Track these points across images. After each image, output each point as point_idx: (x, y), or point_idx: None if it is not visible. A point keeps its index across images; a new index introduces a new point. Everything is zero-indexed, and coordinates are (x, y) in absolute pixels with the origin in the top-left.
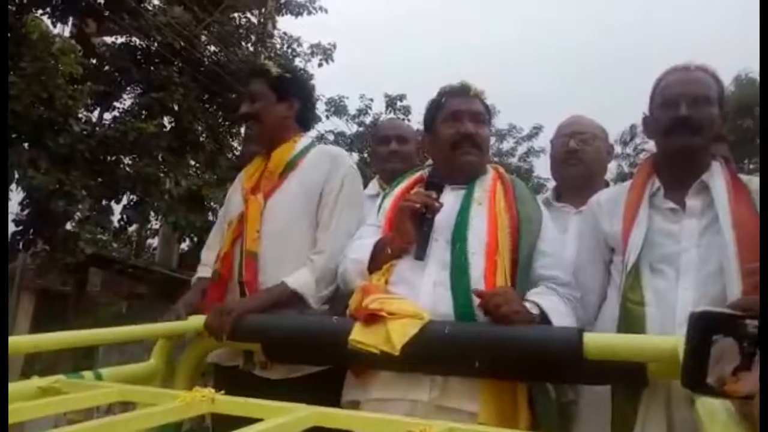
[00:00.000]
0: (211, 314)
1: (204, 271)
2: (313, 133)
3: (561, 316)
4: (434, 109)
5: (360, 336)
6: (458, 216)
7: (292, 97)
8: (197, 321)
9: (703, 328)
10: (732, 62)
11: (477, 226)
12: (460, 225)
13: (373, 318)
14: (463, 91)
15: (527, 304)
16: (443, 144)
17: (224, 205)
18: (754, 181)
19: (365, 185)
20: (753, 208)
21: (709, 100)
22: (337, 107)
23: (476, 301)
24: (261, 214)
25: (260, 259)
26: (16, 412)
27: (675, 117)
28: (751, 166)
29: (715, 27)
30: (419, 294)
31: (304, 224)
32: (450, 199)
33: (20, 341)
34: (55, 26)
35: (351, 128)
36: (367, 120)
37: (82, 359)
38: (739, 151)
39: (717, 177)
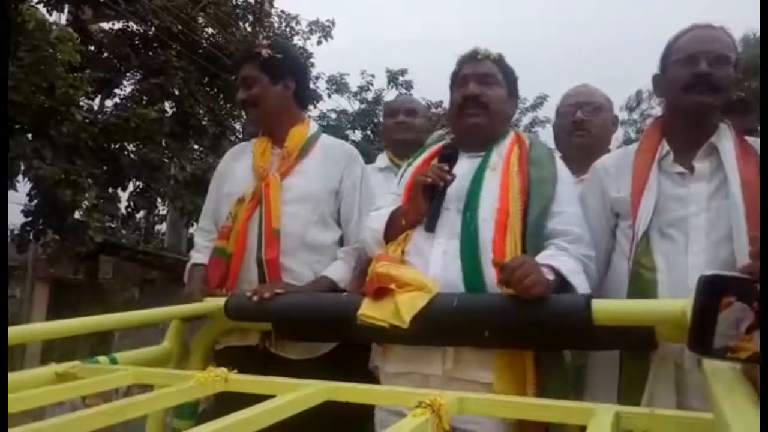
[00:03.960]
0: (261, 286)
1: (199, 257)
2: (315, 112)
3: (576, 275)
4: (451, 80)
5: (369, 310)
6: (471, 184)
7: (287, 76)
8: (213, 303)
9: (712, 291)
10: (741, 22)
11: (489, 192)
12: (472, 193)
13: (381, 292)
14: (472, 56)
15: (543, 269)
16: (452, 109)
17: (218, 183)
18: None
19: (369, 161)
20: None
21: (729, 60)
22: (338, 85)
23: (492, 274)
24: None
25: (281, 237)
26: (34, 398)
27: (695, 73)
28: (758, 127)
29: None
30: (429, 263)
31: (323, 208)
32: (465, 167)
33: (38, 328)
34: (50, 14)
35: (353, 106)
36: (369, 96)
37: (98, 345)
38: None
39: (725, 139)
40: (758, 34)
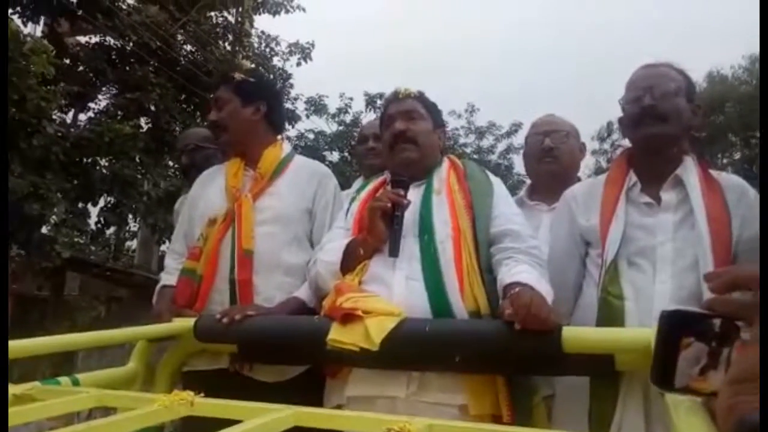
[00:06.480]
0: (231, 308)
1: (169, 279)
2: (293, 133)
3: (540, 284)
4: (380, 120)
5: (338, 335)
6: (421, 209)
7: (258, 100)
8: (182, 324)
9: (672, 327)
10: (708, 60)
11: (440, 215)
12: (425, 217)
13: (349, 317)
14: (394, 96)
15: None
16: (383, 147)
17: (190, 206)
18: (723, 177)
19: (347, 183)
20: (724, 203)
21: (675, 92)
22: (316, 106)
23: (457, 295)
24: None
25: (255, 258)
26: None
27: (641, 107)
28: (725, 161)
29: (695, 24)
30: (392, 289)
31: (296, 228)
32: (410, 195)
33: None
34: (26, 26)
35: (331, 127)
36: (347, 119)
37: (61, 365)
38: (712, 146)
39: (690, 172)
40: (721, 71)
